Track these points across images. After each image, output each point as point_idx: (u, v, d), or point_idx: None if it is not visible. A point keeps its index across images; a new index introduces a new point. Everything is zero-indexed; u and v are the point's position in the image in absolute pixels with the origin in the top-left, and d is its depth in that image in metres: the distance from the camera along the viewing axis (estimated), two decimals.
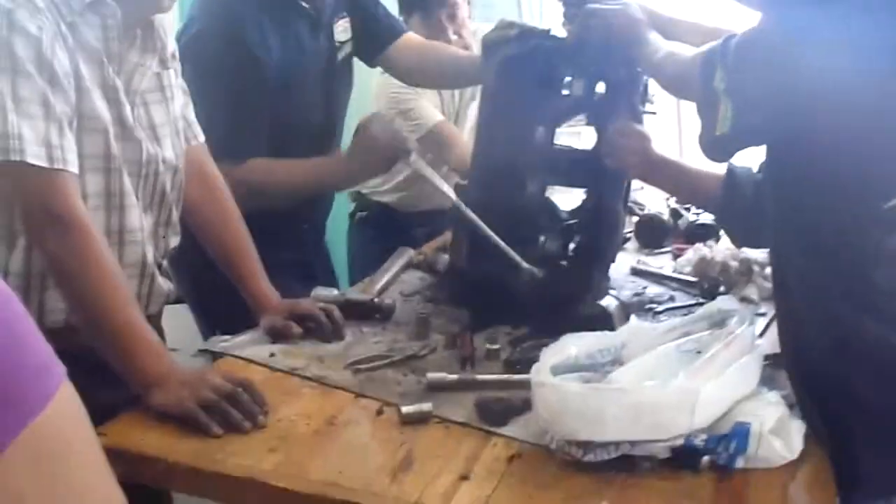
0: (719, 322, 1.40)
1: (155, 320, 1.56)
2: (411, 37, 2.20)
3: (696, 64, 1.30)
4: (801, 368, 1.29)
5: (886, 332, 1.17)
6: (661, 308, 1.84)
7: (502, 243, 1.68)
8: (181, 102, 1.58)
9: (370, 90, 2.65)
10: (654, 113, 1.84)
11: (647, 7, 1.74)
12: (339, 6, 2.04)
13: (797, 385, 1.31)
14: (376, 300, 1.78)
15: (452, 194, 1.75)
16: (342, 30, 2.05)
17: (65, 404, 0.55)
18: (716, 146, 1.29)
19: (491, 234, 1.69)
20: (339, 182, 2.06)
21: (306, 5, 1.94)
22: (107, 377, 1.30)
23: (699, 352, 1.28)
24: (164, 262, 1.60)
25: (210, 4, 1.85)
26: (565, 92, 1.81)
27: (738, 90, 1.21)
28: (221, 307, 1.73)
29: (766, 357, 1.35)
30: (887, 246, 1.16)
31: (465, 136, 2.72)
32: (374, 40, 2.13)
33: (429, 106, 2.68)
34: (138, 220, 1.47)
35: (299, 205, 2.00)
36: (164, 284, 1.58)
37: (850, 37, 1.08)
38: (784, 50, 1.14)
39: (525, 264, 1.69)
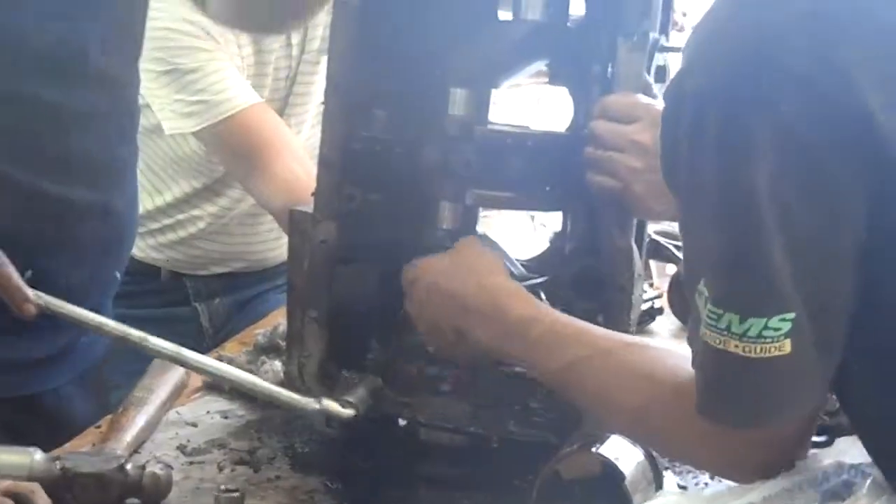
0: (839, 490, 1.34)
1: None
2: None
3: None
4: None
5: None
6: None
7: None
8: None
9: None
10: None
11: None
12: None
13: None
14: (129, 467, 1.60)
15: None
16: None
17: None
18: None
19: None
20: None
21: None
22: None
23: None
24: None
25: None
26: (506, 15, 1.72)
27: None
28: None
29: None
30: None
31: (301, 135, 2.66)
32: None
33: (234, 71, 2.52)
34: None
35: None
36: None
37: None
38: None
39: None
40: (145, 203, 2.48)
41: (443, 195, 1.70)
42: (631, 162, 1.62)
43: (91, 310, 1.99)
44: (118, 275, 2.03)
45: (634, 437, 1.50)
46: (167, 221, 2.59)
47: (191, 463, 1.70)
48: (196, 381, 1.99)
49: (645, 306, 2.25)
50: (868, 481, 1.32)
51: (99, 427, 1.80)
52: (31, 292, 1.71)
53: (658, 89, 1.73)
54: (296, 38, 2.58)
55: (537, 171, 1.71)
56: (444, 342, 1.61)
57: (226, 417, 1.87)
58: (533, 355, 1.54)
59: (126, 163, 2.06)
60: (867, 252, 1.19)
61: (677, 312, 2.36)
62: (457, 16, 1.70)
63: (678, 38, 1.69)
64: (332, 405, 1.63)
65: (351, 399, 1.64)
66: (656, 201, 1.64)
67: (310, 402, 1.64)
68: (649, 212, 1.73)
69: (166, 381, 1.91)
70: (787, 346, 1.18)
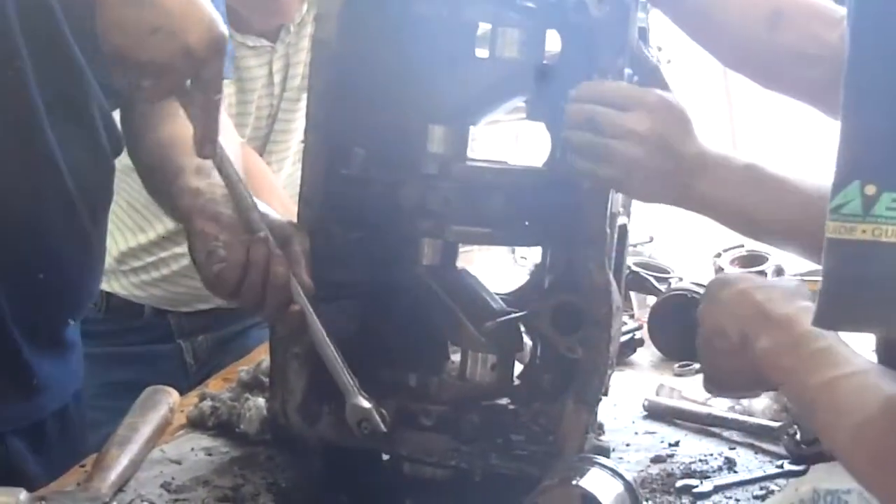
0: None
1: None
2: None
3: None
4: None
5: None
6: (706, 486, 1.78)
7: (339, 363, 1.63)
8: None
9: None
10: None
11: None
12: None
13: None
14: None
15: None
16: None
17: None
18: None
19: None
20: None
21: None
22: None
23: None
24: None
25: None
26: (483, 53, 1.73)
27: None
28: None
29: None
30: None
31: (282, 173, 2.65)
32: None
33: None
34: None
35: None
36: None
37: None
38: None
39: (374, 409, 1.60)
40: (128, 241, 2.48)
41: (422, 232, 1.70)
42: (631, 150, 1.60)
43: (63, 338, 1.97)
44: (71, 321, 1.97)
45: (853, 465, 1.35)
46: (150, 259, 2.57)
47: (175, 501, 1.70)
48: (180, 418, 1.97)
49: (625, 338, 2.25)
50: None
51: (83, 466, 1.79)
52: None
53: None
54: (277, 77, 2.58)
55: (516, 206, 1.71)
56: (723, 347, 1.56)
57: (209, 454, 1.86)
58: (803, 369, 1.47)
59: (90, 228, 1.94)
60: None
61: (658, 343, 2.35)
62: (434, 54, 1.70)
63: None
64: (375, 412, 1.61)
65: (385, 413, 1.64)
66: (651, 188, 1.63)
67: (357, 397, 1.61)
68: (647, 198, 1.71)
69: (150, 419, 1.91)
70: None
